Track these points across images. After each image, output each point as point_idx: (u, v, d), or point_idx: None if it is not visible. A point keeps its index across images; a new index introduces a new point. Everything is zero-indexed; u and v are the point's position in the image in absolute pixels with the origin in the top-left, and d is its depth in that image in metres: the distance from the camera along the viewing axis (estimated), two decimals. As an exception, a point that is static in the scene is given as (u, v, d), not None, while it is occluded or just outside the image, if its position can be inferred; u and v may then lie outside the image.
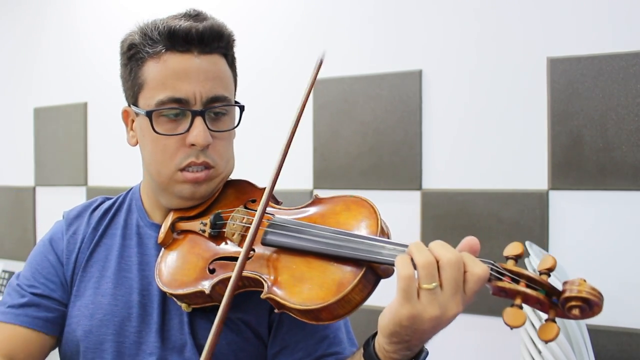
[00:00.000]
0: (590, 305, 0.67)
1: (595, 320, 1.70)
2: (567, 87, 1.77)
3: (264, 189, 0.94)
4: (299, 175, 2.17)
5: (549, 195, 1.81)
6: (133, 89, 0.96)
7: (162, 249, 0.97)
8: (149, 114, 0.92)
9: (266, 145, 2.23)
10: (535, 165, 1.82)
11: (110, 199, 1.10)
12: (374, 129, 2.05)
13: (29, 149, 2.82)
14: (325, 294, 0.78)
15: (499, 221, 1.86)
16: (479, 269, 0.70)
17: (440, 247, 0.71)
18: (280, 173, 0.88)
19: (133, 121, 1.01)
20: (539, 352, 1.39)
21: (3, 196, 2.94)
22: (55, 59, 2.74)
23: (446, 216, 1.93)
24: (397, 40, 2.05)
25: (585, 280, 0.69)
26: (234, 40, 1.03)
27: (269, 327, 0.96)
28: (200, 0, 2.58)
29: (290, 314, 0.81)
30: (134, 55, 0.95)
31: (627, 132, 1.70)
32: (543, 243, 1.79)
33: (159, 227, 1.00)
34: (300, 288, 0.80)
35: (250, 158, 2.38)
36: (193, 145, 0.93)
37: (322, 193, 2.34)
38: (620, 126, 1.71)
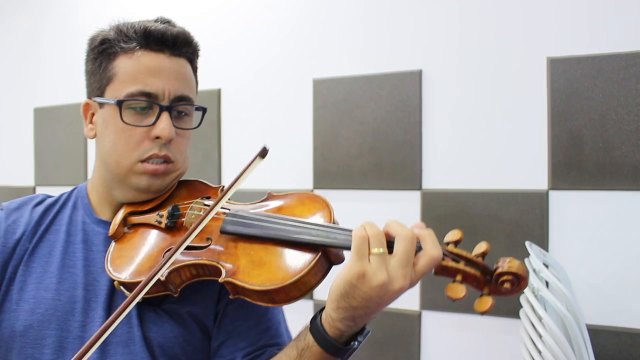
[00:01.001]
0: (518, 279, 0.78)
1: (595, 320, 1.71)
2: (567, 87, 1.77)
3: (218, 187, 1.02)
4: (299, 175, 2.17)
5: (549, 195, 1.81)
6: (101, 81, 1.01)
7: (113, 242, 0.99)
8: (119, 103, 0.96)
9: (262, 145, 2.23)
10: (535, 165, 1.82)
11: (52, 197, 1.11)
12: (374, 129, 2.05)
13: (29, 149, 2.82)
14: (283, 275, 0.82)
15: (499, 221, 1.86)
16: (436, 251, 0.78)
17: (396, 224, 0.79)
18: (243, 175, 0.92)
19: (93, 114, 1.05)
20: (539, 352, 1.39)
21: (3, 196, 2.94)
22: (55, 59, 2.74)
23: (446, 216, 1.93)
24: (397, 40, 2.05)
25: (514, 259, 0.79)
26: (199, 50, 1.09)
27: (214, 319, 0.99)
28: (199, 1, 2.59)
29: (247, 298, 0.85)
30: (106, 49, 1.00)
31: (627, 132, 1.70)
32: (543, 243, 1.79)
33: (106, 223, 1.03)
34: (259, 271, 0.85)
35: (248, 155, 2.37)
36: (158, 138, 0.97)
37: (322, 193, 2.34)
38: (620, 126, 1.71)
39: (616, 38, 1.73)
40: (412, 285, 0.78)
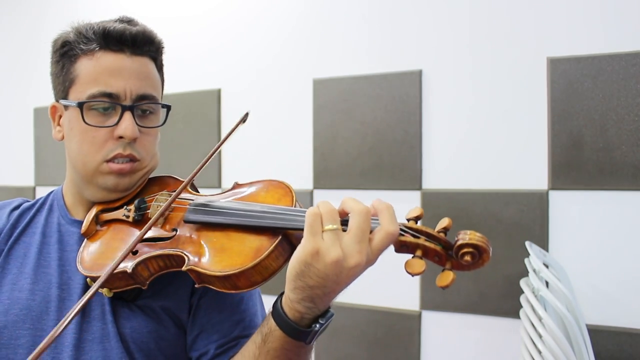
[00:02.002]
0: (479, 251, 0.76)
1: (595, 320, 1.71)
2: (567, 87, 1.77)
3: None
4: (299, 175, 2.17)
5: (549, 195, 1.81)
6: (64, 84, 1.03)
7: (85, 240, 1.00)
8: (80, 105, 0.98)
9: (264, 144, 2.24)
10: (535, 165, 1.82)
11: (29, 201, 1.12)
12: (374, 129, 2.05)
13: (29, 149, 2.83)
14: (243, 260, 0.83)
15: (499, 221, 1.86)
16: (393, 226, 0.76)
17: (351, 200, 0.78)
18: (204, 167, 0.95)
19: (60, 116, 1.07)
20: (539, 352, 1.40)
21: (3, 196, 2.94)
22: (55, 59, 2.74)
23: (446, 216, 1.93)
24: (397, 40, 2.05)
25: (475, 232, 0.77)
26: (163, 47, 1.07)
27: (188, 312, 0.99)
28: (199, 1, 2.59)
29: (211, 286, 0.86)
30: (67, 52, 1.02)
31: (627, 132, 1.70)
32: (543, 243, 1.79)
33: (80, 223, 1.03)
34: (220, 257, 0.85)
35: (248, 155, 2.38)
36: (121, 137, 0.98)
37: (322, 193, 2.34)
38: (620, 126, 1.71)
39: (616, 38, 1.73)
40: (369, 262, 0.76)
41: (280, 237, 0.84)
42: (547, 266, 1.55)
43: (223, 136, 0.91)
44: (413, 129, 1.99)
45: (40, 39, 2.81)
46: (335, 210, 0.77)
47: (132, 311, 0.96)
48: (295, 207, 0.89)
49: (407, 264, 0.77)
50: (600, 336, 1.70)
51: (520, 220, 1.83)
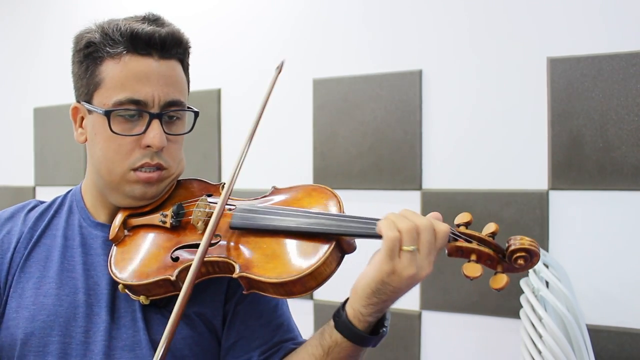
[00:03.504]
0: (531, 255, 0.81)
1: (595, 320, 1.71)
2: (567, 87, 1.77)
3: (219, 185, 1.01)
4: (299, 175, 2.17)
5: (549, 195, 1.81)
6: (88, 86, 0.96)
7: (114, 246, 0.98)
8: (107, 114, 0.93)
9: (263, 144, 2.23)
10: (535, 165, 1.82)
11: (45, 202, 1.09)
12: (374, 129, 2.05)
13: (29, 149, 2.82)
14: (299, 267, 0.83)
15: (499, 221, 1.84)
16: (443, 226, 0.81)
17: (414, 215, 0.81)
18: (242, 168, 0.93)
19: (83, 118, 1.01)
20: (539, 352, 1.40)
21: (3, 196, 2.94)
22: (55, 59, 2.73)
23: (446, 216, 1.93)
24: (397, 40, 2.05)
25: (524, 237, 0.82)
26: (190, 47, 1.03)
27: (222, 319, 0.98)
28: (199, 1, 2.59)
29: (262, 292, 0.85)
30: (92, 53, 0.96)
31: (627, 132, 1.70)
32: (543, 243, 1.79)
33: (104, 226, 1.01)
34: (274, 264, 0.85)
35: (250, 156, 2.37)
36: (149, 146, 0.94)
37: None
38: (620, 126, 1.71)
39: (616, 38, 1.73)
40: (432, 267, 0.81)
41: (334, 242, 0.84)
42: (547, 266, 1.55)
43: (264, 96, 0.90)
44: (413, 129, 1.99)
45: (40, 39, 2.81)
46: (415, 228, 0.79)
47: (164, 318, 0.94)
48: (342, 212, 0.89)
49: (465, 268, 0.81)
50: (600, 336, 1.70)
51: (520, 220, 1.83)
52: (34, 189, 2.81)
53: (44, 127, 2.76)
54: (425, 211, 1.96)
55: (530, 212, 1.82)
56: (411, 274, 0.78)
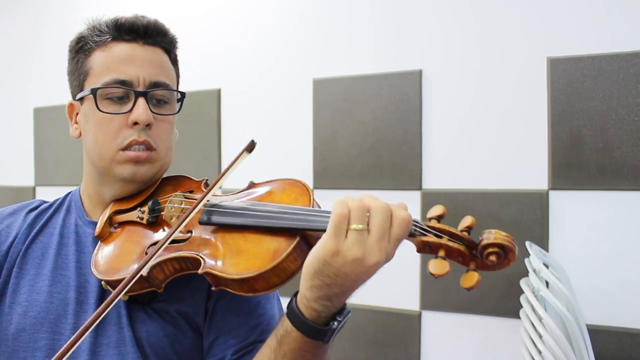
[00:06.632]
0: (505, 250, 0.73)
1: (595, 320, 1.71)
2: (567, 87, 1.77)
3: (202, 180, 1.02)
4: (298, 175, 2.15)
5: (549, 195, 1.81)
6: (79, 78, 1.01)
7: (99, 242, 0.99)
8: (93, 92, 0.97)
9: (263, 144, 2.23)
10: (535, 165, 1.82)
11: (47, 202, 1.12)
12: (374, 129, 2.05)
13: (29, 149, 2.82)
14: (261, 262, 0.81)
15: (499, 221, 1.86)
16: (404, 213, 0.75)
17: (371, 198, 0.76)
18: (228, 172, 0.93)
19: (77, 114, 1.05)
20: (539, 352, 1.40)
21: (3, 196, 2.94)
22: (55, 59, 2.73)
23: (446, 216, 1.93)
24: (397, 40, 2.05)
25: (499, 231, 0.74)
26: (176, 41, 1.08)
27: (204, 316, 0.98)
28: (200, 1, 2.59)
29: (228, 288, 0.84)
30: (82, 47, 1.02)
31: (627, 132, 1.70)
32: (543, 243, 1.79)
33: (96, 224, 1.02)
34: (237, 260, 0.83)
35: (250, 156, 2.37)
36: (136, 123, 0.97)
37: (322, 193, 2.33)
38: (620, 126, 1.71)
39: (616, 38, 1.73)
40: (388, 258, 0.75)
41: (298, 238, 0.81)
42: (547, 266, 1.54)
43: (224, 167, 0.88)
44: (413, 129, 1.99)
45: (40, 38, 2.81)
46: (365, 207, 0.74)
47: (148, 315, 0.95)
48: (312, 206, 0.86)
49: (430, 264, 0.74)
50: (600, 336, 1.70)
51: (520, 220, 1.83)
52: (34, 189, 2.81)
53: (44, 127, 2.76)
54: (425, 211, 1.96)
55: (530, 212, 1.82)
56: (356, 256, 0.72)
